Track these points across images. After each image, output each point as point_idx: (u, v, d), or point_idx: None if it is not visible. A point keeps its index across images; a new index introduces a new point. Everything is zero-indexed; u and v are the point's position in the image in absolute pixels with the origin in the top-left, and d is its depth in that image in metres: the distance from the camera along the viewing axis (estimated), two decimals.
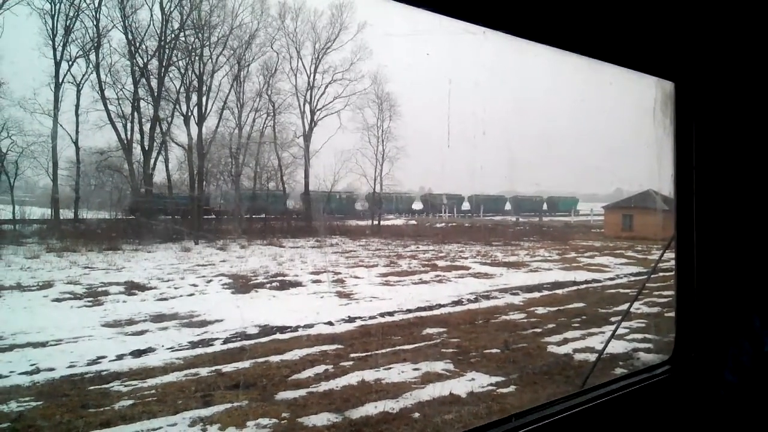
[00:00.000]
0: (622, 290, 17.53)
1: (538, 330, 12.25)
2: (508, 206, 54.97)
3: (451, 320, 13.09)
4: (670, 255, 3.39)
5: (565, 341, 11.25)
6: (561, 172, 44.85)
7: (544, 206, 57.51)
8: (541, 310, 14.29)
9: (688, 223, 3.14)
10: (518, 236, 36.66)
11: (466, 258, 25.07)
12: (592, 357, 9.82)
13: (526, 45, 2.36)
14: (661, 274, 12.90)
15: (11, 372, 9.01)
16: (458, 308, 14.63)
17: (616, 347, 10.40)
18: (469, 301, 15.58)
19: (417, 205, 52.78)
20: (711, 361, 3.01)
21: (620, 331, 11.19)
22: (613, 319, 13.32)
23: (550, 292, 17.04)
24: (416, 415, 7.49)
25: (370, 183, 39.98)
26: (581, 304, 15.08)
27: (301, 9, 36.30)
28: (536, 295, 16.57)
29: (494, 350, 10.47)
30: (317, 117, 37.87)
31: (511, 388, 8.42)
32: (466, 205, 54.74)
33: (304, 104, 37.64)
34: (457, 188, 51.10)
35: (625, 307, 13.84)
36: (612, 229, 37.39)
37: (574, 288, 17.91)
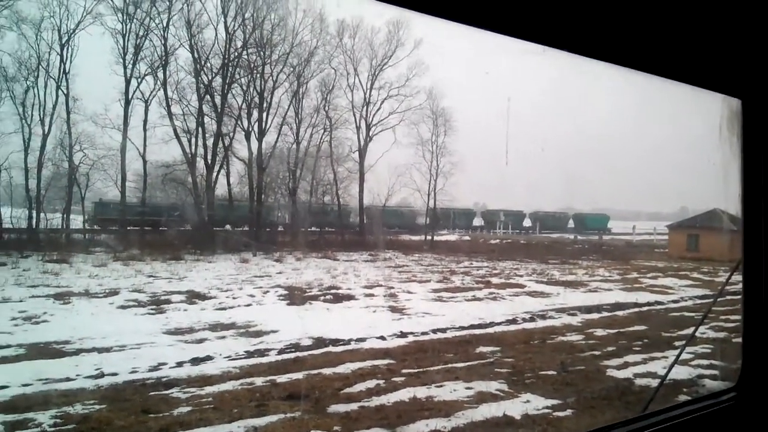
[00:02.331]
0: (686, 313, 16.77)
1: (597, 352, 11.85)
2: (527, 222, 53.69)
3: (506, 339, 12.85)
4: (738, 278, 3.24)
5: (626, 365, 10.83)
6: (622, 190, 43.47)
7: (570, 223, 55.69)
8: (600, 332, 13.83)
9: (757, 244, 3.00)
10: (576, 255, 35.70)
11: (522, 276, 24.61)
12: (654, 382, 9.41)
13: (586, 63, 2.34)
14: (728, 297, 12.27)
15: (77, 375, 9.47)
16: (513, 327, 14.35)
17: (680, 373, 9.93)
18: (524, 320, 15.27)
19: (471, 221, 52.32)
20: None
21: (684, 356, 10.69)
22: (677, 343, 12.75)
23: (610, 314, 16.48)
24: None
25: (424, 198, 39.99)
26: (643, 327, 14.50)
27: (358, 26, 36.96)
28: (595, 316, 16.06)
29: (550, 372, 10.19)
30: (372, 132, 38.32)
31: (568, 412, 8.16)
32: (517, 221, 53.87)
33: (360, 119, 38.18)
34: (513, 204, 50.39)
35: (689, 331, 13.22)
36: (676, 249, 35.87)
37: (636, 310, 17.26)
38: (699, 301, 19.02)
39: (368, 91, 38.25)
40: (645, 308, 17.60)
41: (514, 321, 15.05)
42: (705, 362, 11.05)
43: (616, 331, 13.99)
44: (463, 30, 1.99)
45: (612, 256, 35.42)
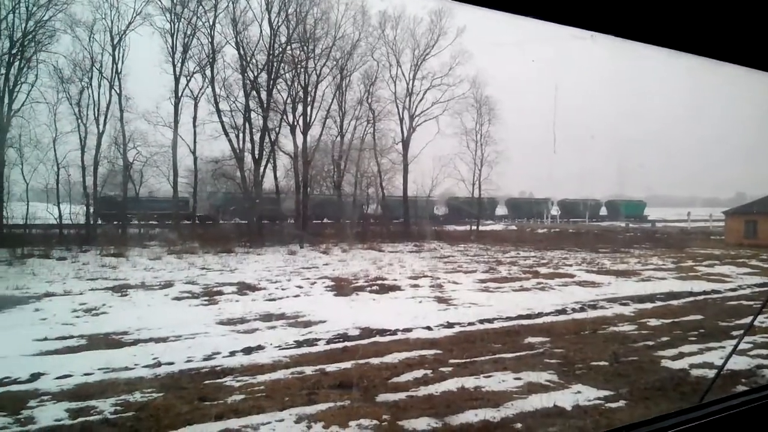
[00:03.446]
0: (744, 302, 16.10)
1: (651, 343, 11.52)
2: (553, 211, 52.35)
3: (555, 330, 12.65)
4: None
5: (681, 355, 10.49)
6: (676, 176, 42.06)
7: (602, 211, 53.79)
8: (653, 322, 13.44)
9: None
10: (628, 243, 34.74)
11: (571, 265, 24.15)
12: (711, 373, 9.10)
13: (635, 47, 2.27)
14: None
15: (136, 365, 9.85)
16: (562, 317, 14.11)
17: (738, 363, 9.55)
18: (574, 310, 14.99)
19: (519, 210, 51.54)
20: None
21: (743, 346, 10.27)
22: (734, 333, 12.26)
23: (664, 303, 15.99)
24: (518, 425, 7.32)
25: (468, 187, 39.62)
26: (699, 317, 14.01)
27: (400, 17, 36.84)
28: (648, 305, 15.62)
29: (602, 363, 9.98)
30: (416, 123, 38.19)
31: (621, 403, 7.98)
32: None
33: (402, 111, 38.07)
34: (562, 193, 49.38)
35: (748, 320, 12.69)
36: (733, 236, 34.45)
37: (691, 299, 16.69)
38: (758, 290, 18.25)
39: (411, 81, 38.12)
40: (701, 297, 16.99)
41: (563, 311, 14.80)
42: (765, 352, 10.60)
43: (671, 320, 13.56)
44: (507, 17, 1.97)
45: (666, 243, 34.31)
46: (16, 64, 26.63)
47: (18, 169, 26.74)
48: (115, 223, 31.61)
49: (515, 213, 50.79)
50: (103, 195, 30.32)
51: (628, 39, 2.15)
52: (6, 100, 25.90)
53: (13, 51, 26.41)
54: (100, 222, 31.13)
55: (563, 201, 52.07)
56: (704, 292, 17.68)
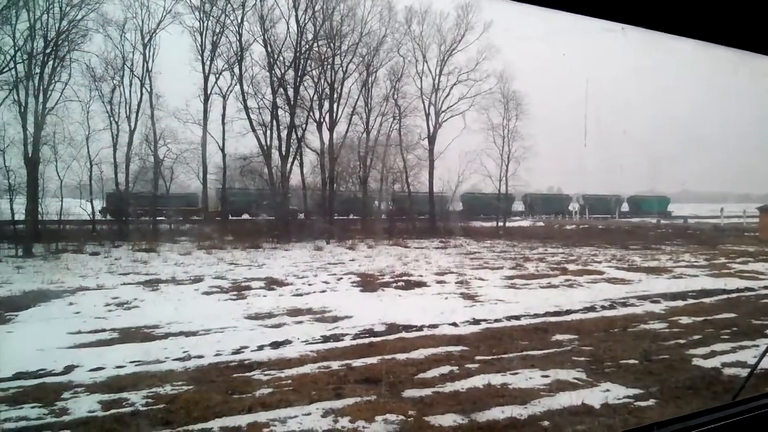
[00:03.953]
0: None
1: (682, 341, 11.29)
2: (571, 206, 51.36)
3: (583, 327, 12.48)
4: None
5: (713, 354, 10.26)
6: (709, 172, 41.04)
7: (624, 206, 52.52)
8: (685, 320, 13.17)
9: None
10: (659, 239, 34.05)
11: (600, 262, 23.79)
12: (744, 372, 8.89)
13: (668, 39, 2.21)
14: None
15: (166, 358, 10.05)
16: (591, 315, 13.91)
17: None
18: (604, 307, 14.76)
19: (542, 206, 50.89)
20: None
21: None
22: None
23: (696, 301, 15.64)
24: (545, 423, 7.26)
25: (495, 183, 39.27)
26: (732, 315, 13.67)
27: (427, 12, 36.64)
28: (680, 303, 15.30)
29: (631, 361, 9.82)
30: (442, 118, 37.96)
31: (651, 402, 7.84)
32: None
33: (429, 106, 37.89)
34: (591, 188, 48.62)
35: None
36: None
37: (724, 296, 16.29)
38: None
39: (437, 77, 37.91)
40: (734, 295, 16.57)
41: (592, 308, 14.59)
42: None
43: (703, 318, 13.27)
44: (535, 10, 1.94)
45: (698, 240, 33.53)
46: (50, 63, 27.28)
47: (52, 166, 27.42)
48: (124, 219, 31.92)
49: (539, 209, 50.12)
50: (112, 191, 30.62)
51: (659, 31, 2.10)
52: (41, 99, 26.55)
53: (48, 50, 27.08)
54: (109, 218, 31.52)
55: (587, 197, 51.28)
56: (737, 290, 17.23)
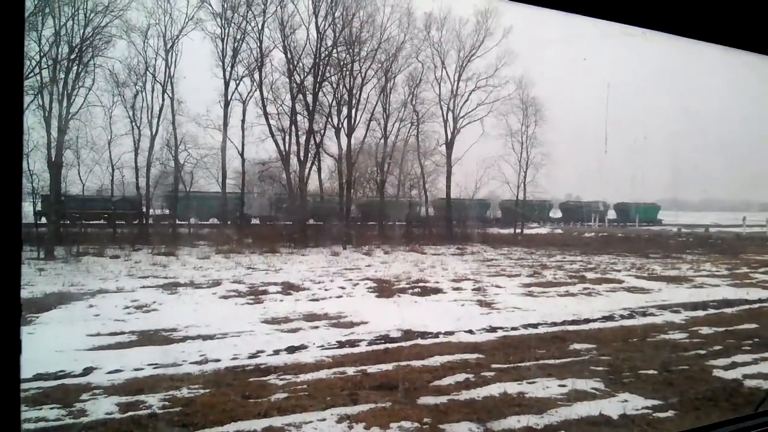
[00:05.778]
0: None
1: (702, 351, 11.10)
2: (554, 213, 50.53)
3: (602, 336, 12.33)
4: None
5: (734, 365, 10.06)
6: (731, 179, 40.27)
7: (610, 214, 51.40)
8: (705, 330, 12.94)
9: None
10: (680, 248, 33.53)
11: (619, 270, 23.48)
12: (766, 384, 8.71)
13: (689, 44, 2.19)
14: None
15: (184, 361, 10.11)
16: (609, 324, 13.74)
17: None
18: (622, 317, 14.57)
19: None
20: None
21: None
22: None
23: (717, 311, 15.36)
24: None
25: (513, 190, 39.01)
26: (754, 325, 13.40)
27: (446, 19, 36.56)
28: (701, 313, 15.04)
29: (650, 371, 9.67)
30: (460, 125, 37.80)
31: (670, 413, 7.71)
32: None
33: (447, 112, 37.80)
34: (612, 196, 47.97)
35: None
36: None
37: (746, 307, 15.98)
38: None
39: (455, 83, 37.78)
40: (756, 305, 16.25)
41: (611, 317, 14.40)
42: None
43: (724, 329, 13.02)
44: (555, 15, 1.93)
45: (719, 249, 32.95)
46: (75, 68, 27.73)
47: (75, 170, 27.85)
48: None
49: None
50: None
51: (681, 36, 2.08)
52: (64, 104, 26.97)
53: (72, 56, 27.53)
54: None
55: (565, 204, 50.79)
56: (760, 300, 16.89)
